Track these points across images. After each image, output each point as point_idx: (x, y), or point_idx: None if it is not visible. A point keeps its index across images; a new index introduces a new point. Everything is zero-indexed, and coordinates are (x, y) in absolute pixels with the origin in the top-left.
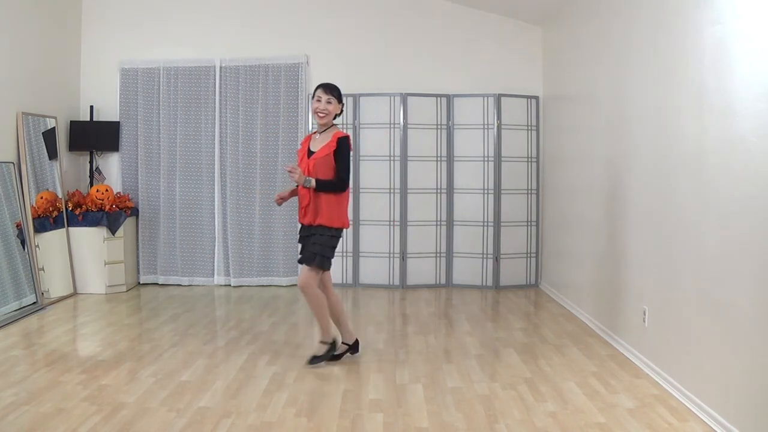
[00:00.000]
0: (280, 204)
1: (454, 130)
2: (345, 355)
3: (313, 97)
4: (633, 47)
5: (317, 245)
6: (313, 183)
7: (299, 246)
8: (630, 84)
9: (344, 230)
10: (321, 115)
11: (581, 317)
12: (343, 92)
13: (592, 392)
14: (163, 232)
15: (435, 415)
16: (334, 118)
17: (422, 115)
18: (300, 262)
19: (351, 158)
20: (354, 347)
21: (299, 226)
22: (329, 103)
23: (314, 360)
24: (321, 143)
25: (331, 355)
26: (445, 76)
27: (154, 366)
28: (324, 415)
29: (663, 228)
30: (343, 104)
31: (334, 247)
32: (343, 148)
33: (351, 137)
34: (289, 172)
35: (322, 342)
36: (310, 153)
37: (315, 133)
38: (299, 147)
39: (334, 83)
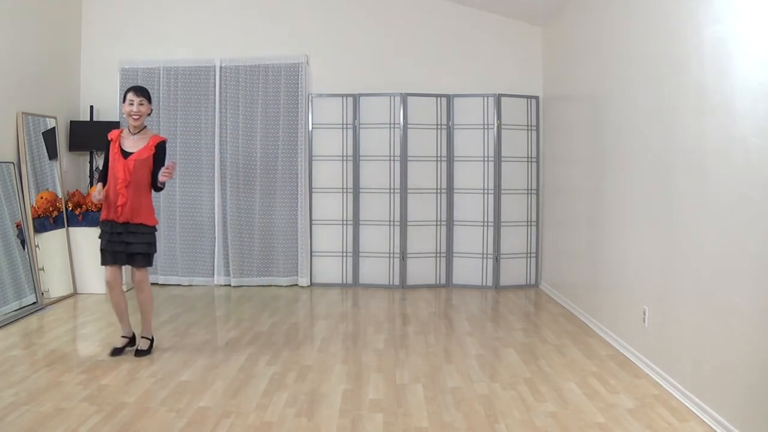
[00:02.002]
0: (101, 205)
1: (454, 130)
2: (126, 349)
3: (124, 101)
4: (633, 47)
5: (144, 245)
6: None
7: (105, 242)
8: (630, 84)
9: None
10: (135, 117)
11: (581, 317)
12: (343, 92)
13: (592, 392)
14: (163, 232)
15: (435, 415)
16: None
17: (422, 115)
18: (128, 264)
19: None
20: (133, 340)
21: (102, 222)
22: (141, 105)
23: (142, 353)
24: (138, 145)
25: (116, 349)
26: (445, 76)
27: (154, 366)
28: (324, 415)
29: (663, 228)
30: (151, 105)
31: (154, 243)
32: (162, 153)
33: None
34: (168, 170)
35: (144, 337)
36: (125, 153)
37: (122, 130)
38: (107, 142)
39: (143, 86)
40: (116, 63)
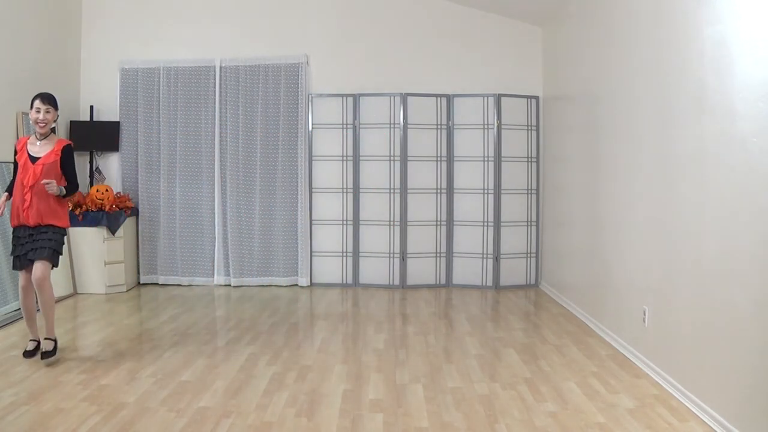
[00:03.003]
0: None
1: (454, 130)
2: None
3: (31, 108)
4: (633, 47)
5: (52, 241)
6: (64, 191)
7: (20, 247)
8: (630, 84)
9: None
10: (41, 125)
11: (581, 317)
12: (343, 92)
13: (592, 392)
14: (163, 232)
15: (435, 415)
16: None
17: (422, 115)
18: (34, 258)
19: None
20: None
21: (13, 228)
22: (48, 112)
23: (47, 355)
24: (44, 150)
25: (27, 351)
26: (445, 76)
27: (154, 366)
28: (324, 415)
29: (663, 228)
30: (58, 111)
31: (62, 245)
32: (68, 156)
33: (73, 144)
34: (47, 184)
35: (48, 338)
36: (33, 158)
37: (29, 137)
38: (16, 152)
39: (49, 92)
40: (116, 63)
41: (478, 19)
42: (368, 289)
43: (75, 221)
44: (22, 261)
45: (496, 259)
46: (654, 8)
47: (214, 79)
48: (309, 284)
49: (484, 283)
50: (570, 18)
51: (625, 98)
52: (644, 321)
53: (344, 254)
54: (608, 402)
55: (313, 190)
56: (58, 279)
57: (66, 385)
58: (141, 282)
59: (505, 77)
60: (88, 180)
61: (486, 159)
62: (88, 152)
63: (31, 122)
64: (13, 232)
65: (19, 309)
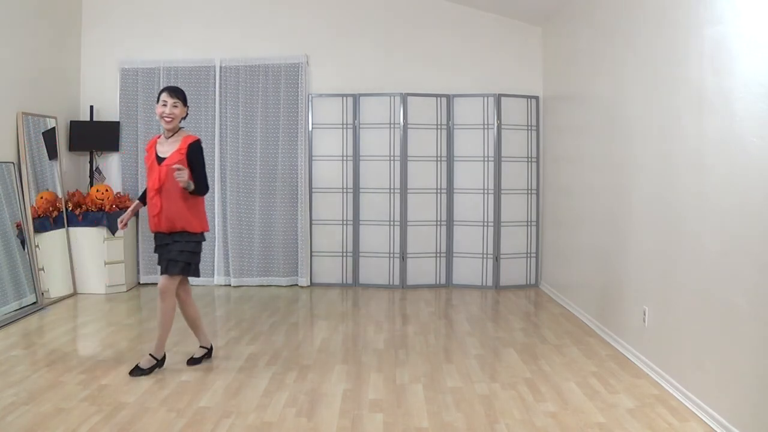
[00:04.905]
0: (124, 228)
1: (454, 130)
2: (204, 359)
3: (157, 102)
4: (633, 47)
5: (184, 253)
6: (192, 185)
7: (157, 254)
8: (630, 84)
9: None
10: (167, 119)
11: (581, 317)
12: (343, 92)
13: (592, 392)
14: None
15: (435, 415)
16: (180, 121)
17: (422, 115)
18: (165, 272)
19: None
20: (210, 352)
21: (154, 234)
22: (175, 106)
23: (138, 372)
24: (170, 149)
25: (194, 359)
26: (445, 76)
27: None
28: (324, 415)
29: (663, 228)
30: (188, 107)
31: (199, 253)
32: (195, 153)
33: (201, 140)
34: (179, 171)
35: (153, 356)
36: (159, 159)
37: (159, 137)
38: (145, 153)
39: (178, 86)
40: (116, 63)
41: (478, 19)
42: (368, 289)
43: (75, 221)
44: (164, 267)
45: (496, 259)
46: (654, 8)
47: (214, 79)
48: (309, 284)
49: (484, 283)
50: (570, 18)
51: (624, 98)
52: (644, 321)
53: (344, 254)
54: (608, 402)
55: (313, 190)
56: (58, 279)
57: (66, 385)
58: (141, 282)
59: (505, 77)
60: (88, 180)
61: (486, 159)
62: (88, 152)
63: (156, 117)
64: (154, 238)
65: (19, 309)
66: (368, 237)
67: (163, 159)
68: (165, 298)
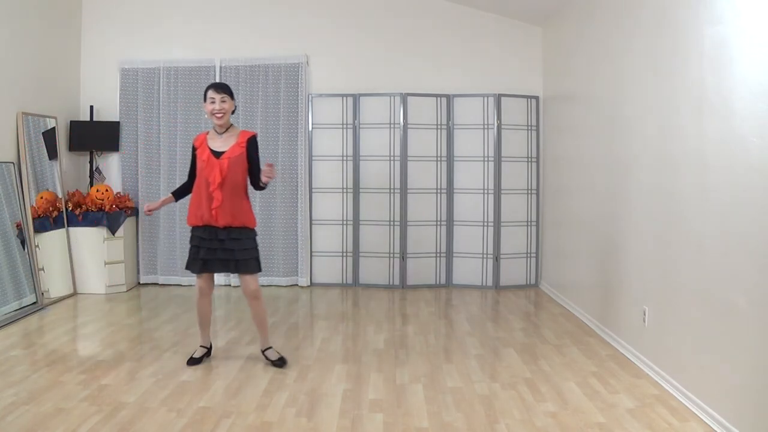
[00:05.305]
0: (150, 214)
1: (454, 130)
2: (204, 359)
3: (205, 100)
4: (633, 47)
5: (251, 250)
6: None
7: (196, 249)
8: (630, 84)
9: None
10: (219, 115)
11: (581, 317)
12: (343, 92)
13: (592, 392)
14: (163, 232)
15: (435, 415)
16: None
17: (422, 115)
18: (238, 272)
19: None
20: (210, 351)
21: (192, 228)
22: (224, 101)
23: (282, 363)
24: (228, 143)
25: (193, 359)
26: (445, 76)
27: (154, 366)
28: (324, 415)
29: (663, 228)
30: (235, 101)
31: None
32: (255, 147)
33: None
34: (269, 167)
35: (270, 348)
36: (216, 154)
37: (207, 133)
38: (194, 149)
39: (224, 83)
40: (116, 63)
41: (478, 19)
42: (368, 289)
43: (75, 221)
44: (208, 265)
45: (496, 259)
46: (654, 8)
47: (214, 79)
48: (309, 284)
49: (484, 283)
50: (570, 18)
51: (624, 98)
52: (644, 321)
53: (344, 254)
54: (608, 402)
55: (313, 190)
56: (58, 279)
57: (66, 385)
58: (141, 282)
59: (505, 77)
60: (88, 180)
61: (486, 159)
62: (88, 152)
63: (207, 115)
64: (193, 232)
65: (19, 309)
66: (368, 237)
67: (221, 153)
68: (259, 296)
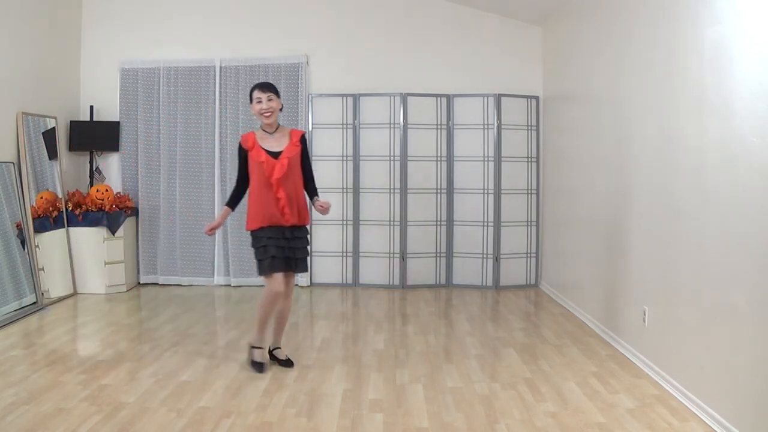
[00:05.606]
0: (212, 234)
1: (454, 130)
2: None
3: (251, 101)
4: (633, 47)
5: (307, 248)
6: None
7: (265, 249)
8: (630, 84)
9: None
10: (267, 114)
11: (581, 317)
12: (343, 92)
13: (592, 392)
14: (163, 232)
15: (435, 415)
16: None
17: (422, 115)
18: (296, 270)
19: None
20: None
21: (263, 228)
22: (270, 100)
23: (290, 364)
24: (281, 143)
25: (260, 364)
26: (445, 76)
27: (154, 366)
28: (324, 415)
29: (663, 228)
30: (281, 98)
31: None
32: (306, 147)
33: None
34: (324, 208)
35: (279, 348)
36: (271, 153)
37: (254, 134)
38: (244, 151)
39: (269, 82)
40: (116, 63)
41: (478, 19)
42: (368, 289)
43: (75, 221)
44: (278, 264)
45: (496, 259)
46: (654, 8)
47: (214, 79)
48: (309, 284)
49: (484, 283)
50: (570, 18)
51: (624, 98)
52: (644, 321)
53: (344, 254)
54: (608, 402)
55: None
56: (58, 279)
57: (66, 385)
58: (141, 282)
59: (505, 77)
60: (88, 180)
61: (486, 159)
62: (88, 152)
63: (255, 115)
64: (258, 234)
65: (19, 309)
66: (368, 237)
67: (278, 153)
68: (291, 295)
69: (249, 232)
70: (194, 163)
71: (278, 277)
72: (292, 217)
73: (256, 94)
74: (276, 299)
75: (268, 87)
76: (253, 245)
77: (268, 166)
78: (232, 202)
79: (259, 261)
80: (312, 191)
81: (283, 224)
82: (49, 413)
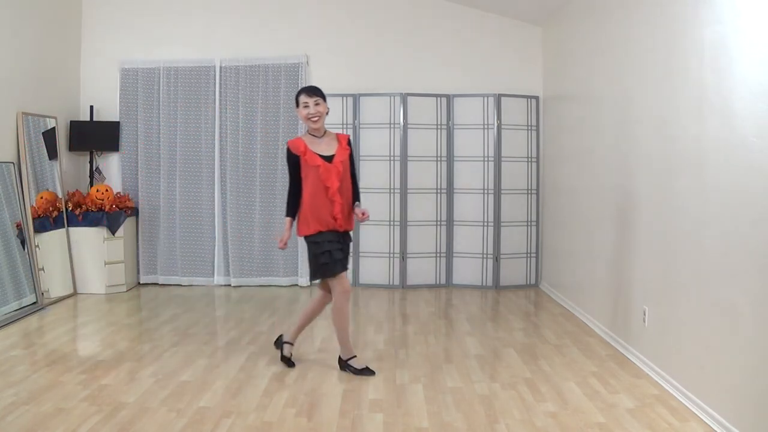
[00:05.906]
0: (286, 247)
1: (454, 130)
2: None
3: (297, 106)
4: (633, 47)
5: (348, 251)
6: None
7: (329, 253)
8: (630, 84)
9: None
10: (315, 119)
11: (581, 317)
12: (343, 92)
13: (592, 392)
14: (163, 232)
15: (435, 415)
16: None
17: (422, 115)
18: (344, 269)
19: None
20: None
21: (322, 234)
22: (317, 104)
23: (369, 372)
24: (331, 147)
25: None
26: (445, 76)
27: (154, 366)
28: (324, 415)
29: (663, 228)
30: (327, 102)
31: None
32: (352, 150)
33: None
34: (364, 217)
35: (356, 357)
36: (325, 158)
37: (302, 138)
38: (296, 156)
39: (315, 86)
40: (116, 63)
41: (478, 18)
42: (368, 289)
43: (75, 221)
44: (339, 265)
45: (496, 259)
46: (654, 8)
47: (214, 79)
48: (309, 284)
49: (484, 283)
50: (570, 18)
51: (624, 98)
52: (644, 321)
53: None
54: (608, 402)
55: None
56: (58, 279)
57: (66, 385)
58: (141, 282)
59: (505, 77)
60: (88, 180)
61: (486, 159)
62: (88, 152)
63: (302, 120)
64: (316, 239)
65: (19, 309)
66: (368, 237)
67: (331, 157)
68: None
69: (303, 237)
70: (194, 163)
71: (344, 276)
72: (344, 222)
73: (303, 98)
74: (349, 297)
75: (314, 91)
76: (313, 251)
77: (325, 171)
78: (292, 211)
79: (324, 264)
80: (356, 195)
81: (336, 229)
82: (49, 413)
